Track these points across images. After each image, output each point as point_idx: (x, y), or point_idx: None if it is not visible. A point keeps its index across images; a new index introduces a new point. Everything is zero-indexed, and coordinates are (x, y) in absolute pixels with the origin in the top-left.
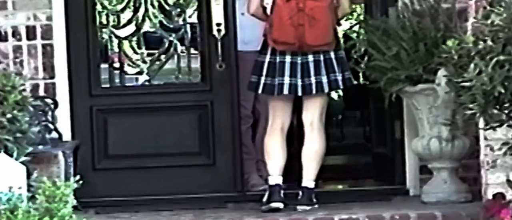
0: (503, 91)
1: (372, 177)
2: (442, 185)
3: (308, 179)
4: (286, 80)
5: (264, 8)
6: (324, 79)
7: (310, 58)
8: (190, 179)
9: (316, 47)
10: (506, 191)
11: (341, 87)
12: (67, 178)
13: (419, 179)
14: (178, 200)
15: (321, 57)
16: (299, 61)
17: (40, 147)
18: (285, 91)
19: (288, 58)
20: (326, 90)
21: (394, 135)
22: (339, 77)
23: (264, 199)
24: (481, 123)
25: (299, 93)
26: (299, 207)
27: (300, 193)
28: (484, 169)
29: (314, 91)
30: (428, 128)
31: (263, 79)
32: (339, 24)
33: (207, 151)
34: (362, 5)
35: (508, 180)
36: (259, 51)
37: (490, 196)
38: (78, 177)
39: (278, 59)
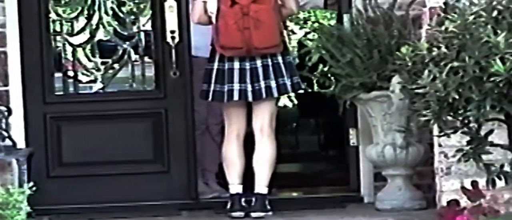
0: (457, 97)
1: (326, 185)
2: (397, 192)
3: (261, 185)
4: (236, 86)
5: (210, 17)
6: (273, 83)
7: (259, 63)
8: (144, 187)
9: (263, 49)
10: (460, 198)
11: (290, 91)
12: (21, 186)
13: (374, 186)
14: (132, 208)
15: (270, 62)
16: (247, 67)
17: None
18: (235, 97)
19: (236, 64)
20: (276, 94)
21: (349, 142)
22: (288, 82)
23: (227, 207)
24: (436, 130)
25: (250, 99)
26: (253, 214)
27: (253, 199)
28: (439, 176)
29: (264, 96)
30: (382, 135)
31: (212, 86)
32: (286, 27)
33: (161, 158)
34: (317, 12)
35: (462, 187)
36: (208, 59)
37: (444, 203)
38: (31, 184)
39: (226, 66)
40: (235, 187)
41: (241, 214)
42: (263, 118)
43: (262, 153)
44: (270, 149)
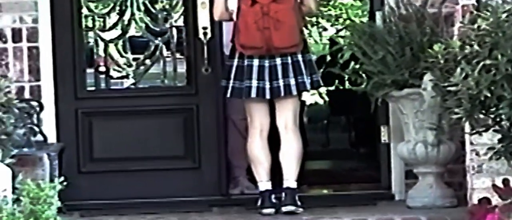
0: (489, 95)
1: (357, 182)
2: (428, 189)
3: (289, 180)
4: (254, 83)
5: (231, 14)
6: (292, 81)
7: (278, 61)
8: (175, 183)
9: (283, 49)
10: (491, 196)
11: (309, 89)
12: (51, 181)
13: (405, 183)
14: (163, 204)
15: (289, 60)
16: (266, 64)
17: (25, 149)
18: (253, 94)
19: (255, 62)
20: (294, 92)
21: (380, 139)
22: (307, 80)
23: (258, 204)
24: (467, 128)
25: (268, 96)
26: (283, 208)
27: (283, 194)
28: (470, 174)
29: (282, 94)
30: (414, 132)
31: (231, 83)
32: (306, 26)
33: (192, 154)
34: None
35: (493, 185)
36: (228, 56)
37: (475, 201)
38: (62, 179)
39: (245, 63)
40: (264, 184)
41: (272, 211)
42: (286, 115)
43: (287, 148)
44: (296, 144)
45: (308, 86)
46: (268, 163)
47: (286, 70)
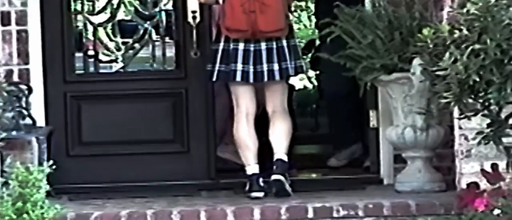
0: (478, 80)
1: (346, 166)
2: (416, 174)
3: (279, 153)
4: (239, 67)
5: None
6: (276, 66)
7: (263, 45)
8: (163, 167)
9: (268, 33)
10: (480, 180)
11: (292, 74)
12: (40, 164)
13: (393, 168)
14: (152, 187)
15: (274, 45)
16: (252, 49)
17: (14, 132)
18: (238, 78)
19: (241, 46)
20: (277, 77)
21: (369, 124)
22: (291, 65)
23: (246, 188)
24: (456, 112)
25: (251, 80)
26: (273, 176)
27: (274, 166)
28: (459, 159)
29: (266, 79)
30: (402, 117)
31: (217, 66)
32: (291, 11)
33: (181, 138)
34: None
35: (482, 170)
36: (214, 40)
37: (464, 186)
38: (51, 162)
39: (231, 47)
40: (252, 168)
41: (261, 194)
42: (274, 100)
43: (276, 127)
44: (285, 123)
45: (291, 72)
46: (255, 147)
47: (271, 55)
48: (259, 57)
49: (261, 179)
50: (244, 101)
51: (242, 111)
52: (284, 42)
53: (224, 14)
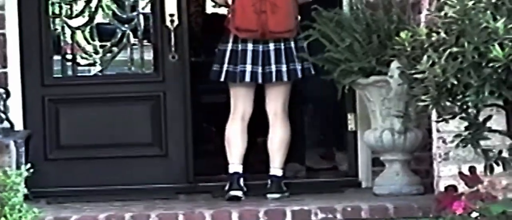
0: (455, 83)
1: (324, 169)
2: (394, 177)
3: (276, 168)
4: (248, 67)
5: None
6: (284, 67)
7: (271, 46)
8: (142, 170)
9: (278, 33)
10: (458, 183)
11: (300, 76)
12: (18, 168)
13: (372, 171)
14: (130, 191)
15: (282, 46)
16: (260, 49)
17: None
18: (247, 79)
19: (249, 46)
20: (285, 78)
21: (347, 127)
22: (298, 67)
23: (226, 188)
24: (434, 115)
25: (260, 81)
26: (269, 196)
27: (269, 182)
28: (437, 162)
29: (274, 79)
30: (380, 120)
31: (225, 67)
32: (301, 13)
33: (159, 142)
34: None
35: (460, 173)
36: (221, 40)
37: (442, 189)
38: (29, 166)
39: (240, 47)
40: (235, 166)
41: (239, 193)
42: (276, 101)
43: (276, 136)
44: (285, 132)
45: (299, 74)
46: (243, 148)
47: (279, 56)
48: (268, 57)
49: (241, 179)
50: (243, 103)
51: (239, 112)
52: (292, 44)
53: (234, 14)
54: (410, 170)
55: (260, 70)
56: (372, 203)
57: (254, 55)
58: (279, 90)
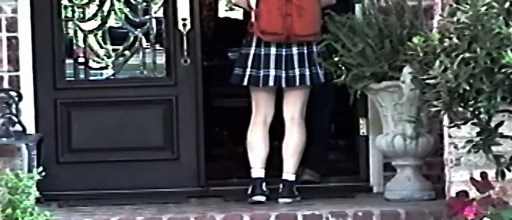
0: (468, 88)
1: (336, 174)
2: (406, 182)
3: (289, 172)
4: (272, 72)
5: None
6: (307, 72)
7: (294, 50)
8: (153, 174)
9: (303, 37)
10: (469, 189)
11: (323, 80)
12: (30, 171)
13: (383, 176)
14: (141, 195)
15: (305, 50)
16: (283, 53)
17: (4, 139)
18: (271, 83)
19: (273, 50)
20: (308, 83)
21: (359, 132)
22: (321, 71)
23: (248, 192)
24: (446, 121)
25: (283, 85)
26: (280, 200)
27: (281, 186)
28: (448, 167)
29: (297, 83)
30: (392, 125)
31: (248, 71)
32: (323, 17)
33: (171, 145)
34: None
35: (471, 178)
36: (244, 44)
37: (453, 194)
38: (40, 169)
39: (263, 51)
40: (257, 171)
41: (262, 198)
42: (294, 106)
43: (291, 141)
44: (300, 138)
45: (322, 78)
46: (265, 152)
47: (302, 59)
48: (291, 61)
49: (264, 184)
50: (264, 108)
51: (261, 116)
52: (314, 48)
53: (259, 17)
54: (422, 176)
55: (283, 74)
56: (384, 208)
57: (278, 59)
58: (298, 95)
